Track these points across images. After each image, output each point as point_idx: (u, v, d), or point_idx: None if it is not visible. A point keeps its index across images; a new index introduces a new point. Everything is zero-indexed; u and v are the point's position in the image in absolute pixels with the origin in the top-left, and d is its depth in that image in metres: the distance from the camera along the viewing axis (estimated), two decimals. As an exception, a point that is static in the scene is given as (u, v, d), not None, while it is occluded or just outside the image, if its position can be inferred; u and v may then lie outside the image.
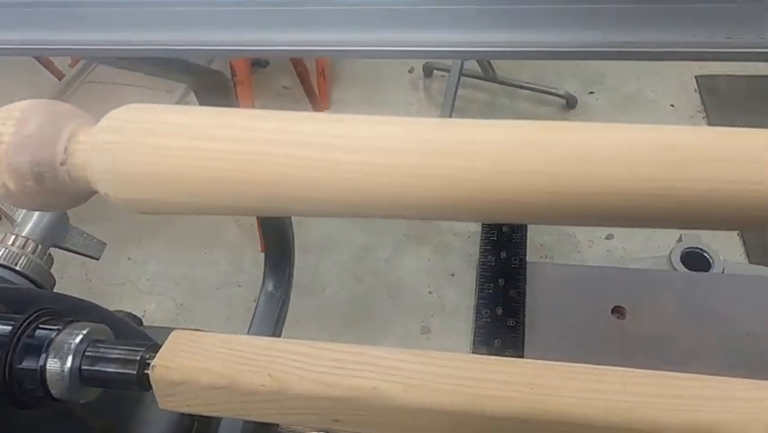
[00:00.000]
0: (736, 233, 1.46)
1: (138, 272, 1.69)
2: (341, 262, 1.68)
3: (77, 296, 0.43)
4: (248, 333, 0.59)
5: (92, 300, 0.45)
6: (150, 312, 1.61)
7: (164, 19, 0.38)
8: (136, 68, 0.45)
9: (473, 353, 0.51)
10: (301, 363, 0.34)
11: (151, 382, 0.34)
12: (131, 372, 0.35)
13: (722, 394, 0.35)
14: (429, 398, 0.32)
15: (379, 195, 0.19)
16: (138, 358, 0.35)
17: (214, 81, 0.45)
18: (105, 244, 0.56)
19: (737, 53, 0.27)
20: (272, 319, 0.57)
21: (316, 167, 0.20)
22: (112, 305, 1.69)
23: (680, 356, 0.51)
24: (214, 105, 0.49)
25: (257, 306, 0.62)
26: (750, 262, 1.35)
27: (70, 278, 1.62)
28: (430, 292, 1.60)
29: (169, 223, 1.78)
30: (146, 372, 0.34)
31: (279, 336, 0.61)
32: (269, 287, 0.60)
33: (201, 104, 0.47)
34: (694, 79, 1.91)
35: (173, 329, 0.62)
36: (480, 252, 0.57)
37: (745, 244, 1.43)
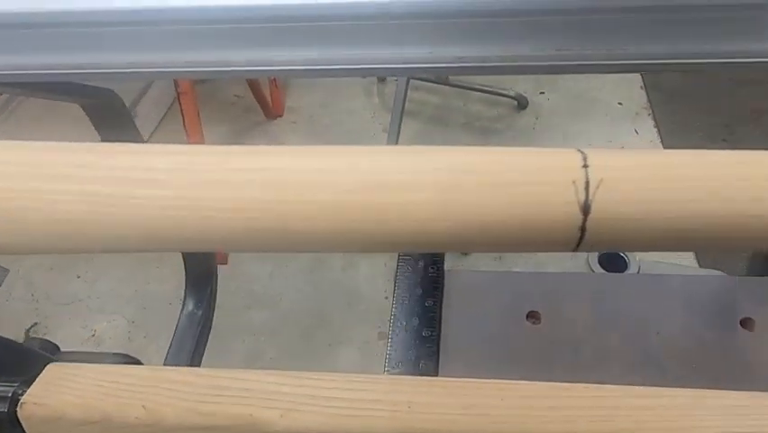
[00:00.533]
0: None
1: (88, 291, 1.65)
2: (297, 272, 1.67)
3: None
4: (166, 356, 0.58)
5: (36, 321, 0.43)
6: (100, 331, 1.58)
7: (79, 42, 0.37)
8: (27, 93, 0.43)
9: (386, 365, 0.51)
10: (177, 393, 0.33)
11: (21, 421, 0.33)
12: (1, 410, 0.33)
13: (600, 403, 0.35)
14: (306, 422, 0.32)
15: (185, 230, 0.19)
16: (9, 395, 0.34)
17: (105, 101, 0.43)
18: (7, 270, 0.55)
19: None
20: (192, 340, 0.56)
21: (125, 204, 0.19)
22: (60, 326, 1.65)
23: (593, 360, 0.51)
24: (110, 126, 0.48)
25: (176, 327, 0.60)
26: (700, 266, 1.37)
27: (16, 299, 1.58)
28: (386, 298, 1.59)
29: (120, 238, 1.74)
30: (17, 409, 0.33)
31: (201, 357, 0.59)
32: (190, 306, 0.59)
33: (95, 126, 0.45)
34: (640, 77, 1.94)
35: (93, 353, 0.60)
36: (398, 262, 0.57)
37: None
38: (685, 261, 1.39)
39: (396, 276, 0.56)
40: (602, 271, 0.59)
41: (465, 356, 0.52)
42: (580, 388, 0.39)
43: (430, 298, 0.54)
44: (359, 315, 1.55)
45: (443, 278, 0.56)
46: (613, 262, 0.60)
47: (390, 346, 0.51)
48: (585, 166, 0.17)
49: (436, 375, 0.50)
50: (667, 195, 0.16)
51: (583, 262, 0.60)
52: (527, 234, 0.17)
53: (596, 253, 0.60)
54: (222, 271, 1.68)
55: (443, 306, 0.54)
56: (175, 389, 0.32)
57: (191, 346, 0.57)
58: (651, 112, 1.86)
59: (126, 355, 0.64)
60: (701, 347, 0.52)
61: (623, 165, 0.17)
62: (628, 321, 0.53)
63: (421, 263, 0.57)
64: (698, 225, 0.16)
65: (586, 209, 0.16)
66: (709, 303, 0.54)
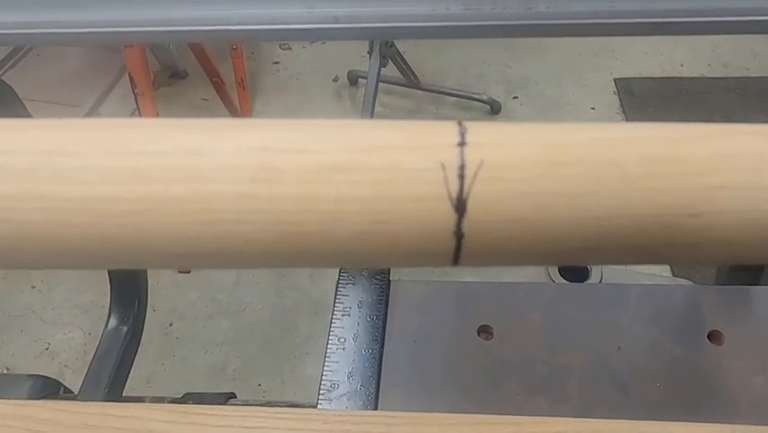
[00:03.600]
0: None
1: (43, 301, 1.58)
2: (262, 281, 1.61)
3: None
4: (83, 379, 0.52)
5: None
6: (54, 345, 1.50)
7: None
8: None
9: (320, 386, 0.46)
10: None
11: None
12: None
13: None
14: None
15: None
16: None
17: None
18: None
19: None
20: (114, 361, 0.51)
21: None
22: (11, 339, 1.58)
23: (549, 379, 0.47)
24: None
25: (98, 345, 0.55)
26: (674, 275, 1.34)
27: (-37, 311, 1.50)
28: (354, 307, 1.55)
29: (77, 246, 1.68)
30: None
31: (125, 378, 0.54)
32: (114, 321, 0.54)
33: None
34: (613, 82, 1.93)
35: (6, 376, 0.53)
36: (340, 272, 0.52)
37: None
38: (656, 267, 1.36)
39: (336, 287, 0.51)
40: (562, 280, 0.55)
41: (409, 377, 0.47)
42: (529, 422, 0.34)
43: (372, 311, 0.49)
44: (325, 325, 1.50)
45: (388, 289, 0.51)
46: (574, 270, 0.56)
47: (326, 366, 0.46)
48: (462, 144, 0.12)
49: (376, 397, 0.45)
50: (579, 184, 0.12)
51: (542, 271, 0.56)
52: (379, 244, 0.12)
53: (555, 261, 0.55)
54: (184, 279, 1.63)
55: (387, 320, 0.49)
56: (34, 430, 0.26)
57: (113, 367, 0.52)
58: (624, 116, 1.84)
59: (45, 378, 0.58)
60: (666, 363, 0.48)
61: (514, 141, 0.12)
62: (588, 335, 0.49)
63: (365, 272, 0.52)
64: (619, 230, 0.12)
65: (461, 206, 0.12)
66: (675, 315, 0.50)
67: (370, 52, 1.67)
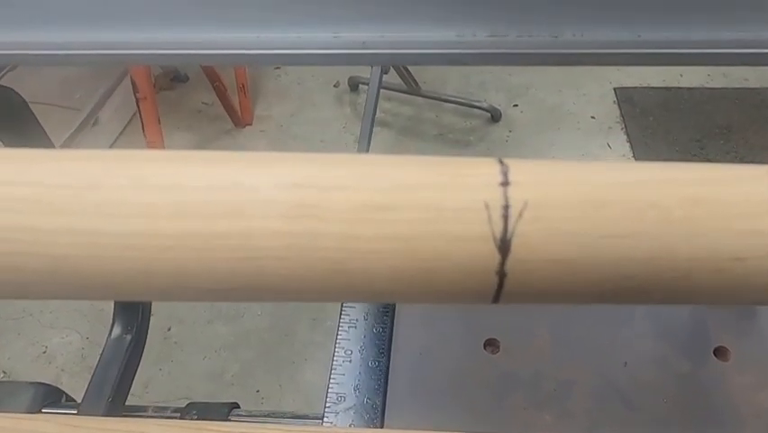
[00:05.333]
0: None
1: (40, 304, 1.57)
2: (262, 285, 1.61)
3: None
4: (87, 387, 0.52)
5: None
6: (52, 348, 1.50)
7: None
8: None
9: (326, 400, 0.46)
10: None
11: None
12: None
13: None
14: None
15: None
16: None
17: (3, 100, 0.38)
18: None
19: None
20: (118, 369, 0.50)
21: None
22: (8, 343, 1.57)
23: (555, 393, 0.47)
24: (11, 126, 0.43)
25: (101, 353, 0.54)
26: None
27: (-40, 314, 1.49)
28: (354, 314, 1.54)
29: (76, 249, 1.67)
30: None
31: (129, 387, 0.53)
32: (118, 330, 0.53)
33: (-3, 126, 0.40)
34: (613, 91, 1.94)
35: (7, 383, 0.53)
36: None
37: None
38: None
39: (342, 299, 0.51)
40: (568, 293, 0.55)
41: (416, 390, 0.47)
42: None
43: (379, 324, 0.49)
44: (324, 332, 1.49)
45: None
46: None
47: (332, 379, 0.46)
48: (505, 183, 0.12)
49: (383, 410, 0.45)
50: (622, 226, 0.11)
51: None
52: (419, 283, 0.12)
53: (561, 275, 0.55)
54: (183, 284, 1.63)
55: (394, 333, 0.49)
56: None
57: (116, 376, 0.51)
58: (624, 126, 1.84)
59: (47, 385, 0.58)
60: (673, 379, 0.47)
61: (557, 181, 0.12)
62: (595, 350, 0.49)
63: (371, 285, 0.52)
64: (661, 273, 0.12)
65: (504, 246, 0.12)
66: (682, 331, 0.50)
67: (371, 59, 1.67)
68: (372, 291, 0.12)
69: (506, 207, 0.12)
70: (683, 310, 0.52)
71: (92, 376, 0.54)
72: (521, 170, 0.12)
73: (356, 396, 0.45)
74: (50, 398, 0.54)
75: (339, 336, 0.48)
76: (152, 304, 1.57)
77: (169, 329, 1.52)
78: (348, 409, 0.45)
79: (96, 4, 0.27)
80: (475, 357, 0.48)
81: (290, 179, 0.12)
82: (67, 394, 0.58)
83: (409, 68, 1.82)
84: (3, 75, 0.39)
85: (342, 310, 0.51)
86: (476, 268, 0.12)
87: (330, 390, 0.45)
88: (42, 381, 0.58)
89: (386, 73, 1.67)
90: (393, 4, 0.23)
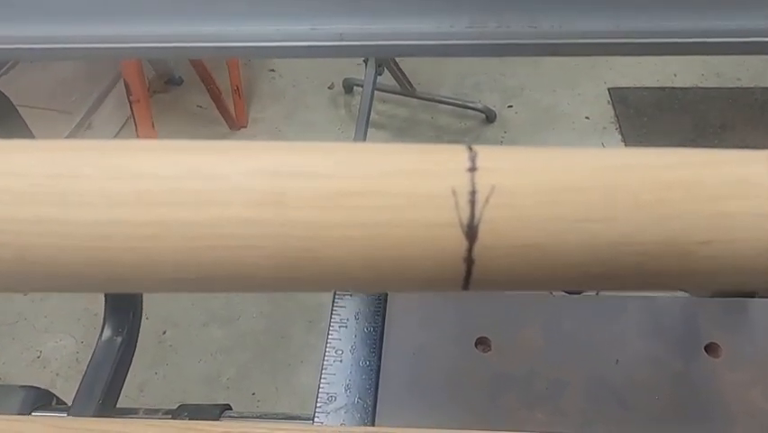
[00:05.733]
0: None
1: (35, 309, 1.57)
2: (257, 288, 1.61)
3: None
4: (77, 389, 0.52)
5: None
6: (46, 352, 1.49)
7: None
8: None
9: (317, 398, 0.45)
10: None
11: None
12: None
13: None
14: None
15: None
16: None
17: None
18: None
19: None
20: (108, 372, 0.50)
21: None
22: (2, 346, 1.56)
23: (547, 391, 0.47)
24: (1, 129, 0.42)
25: (91, 356, 0.54)
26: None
27: (-46, 319, 1.49)
28: (349, 315, 1.54)
29: (70, 253, 1.66)
30: None
31: (119, 390, 0.53)
32: (108, 332, 0.53)
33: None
34: (607, 92, 1.94)
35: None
36: (337, 283, 0.52)
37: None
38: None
39: (333, 298, 0.51)
40: (560, 292, 0.55)
41: (407, 389, 0.47)
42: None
43: (370, 323, 0.49)
44: (319, 334, 1.49)
45: (386, 300, 0.51)
46: (571, 282, 0.56)
47: (323, 378, 0.46)
48: (472, 169, 0.12)
49: (374, 410, 0.45)
50: (590, 210, 0.11)
51: (539, 283, 0.55)
52: (389, 270, 0.12)
53: (553, 273, 0.55)
54: (178, 287, 1.63)
55: (385, 332, 0.49)
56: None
57: (107, 378, 0.51)
58: (618, 126, 1.85)
59: (38, 389, 0.57)
60: (664, 376, 0.47)
61: (525, 166, 0.12)
62: (587, 348, 0.49)
63: (362, 284, 0.52)
64: (630, 257, 0.11)
65: (471, 232, 0.11)
66: (673, 328, 0.50)
67: (365, 61, 1.68)
68: (343, 279, 0.12)
69: (472, 193, 0.12)
70: (674, 306, 0.52)
71: (82, 378, 0.54)
72: (490, 156, 0.12)
73: (347, 396, 0.45)
74: (40, 401, 0.54)
75: (330, 336, 0.48)
76: (147, 307, 1.57)
77: (164, 332, 1.52)
78: (339, 409, 0.45)
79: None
80: (467, 356, 0.48)
81: (260, 166, 0.12)
82: (57, 397, 0.58)
83: (404, 69, 1.82)
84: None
85: (332, 310, 0.50)
86: (444, 255, 0.12)
87: (321, 390, 0.45)
88: (37, 385, 0.57)
89: (380, 75, 1.68)
90: (368, -4, 0.23)
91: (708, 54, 0.24)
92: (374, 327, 0.49)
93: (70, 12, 0.28)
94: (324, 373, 0.46)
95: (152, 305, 1.60)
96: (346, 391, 0.45)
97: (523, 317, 0.50)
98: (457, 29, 0.23)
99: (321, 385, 0.46)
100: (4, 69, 1.92)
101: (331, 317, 0.50)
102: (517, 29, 0.23)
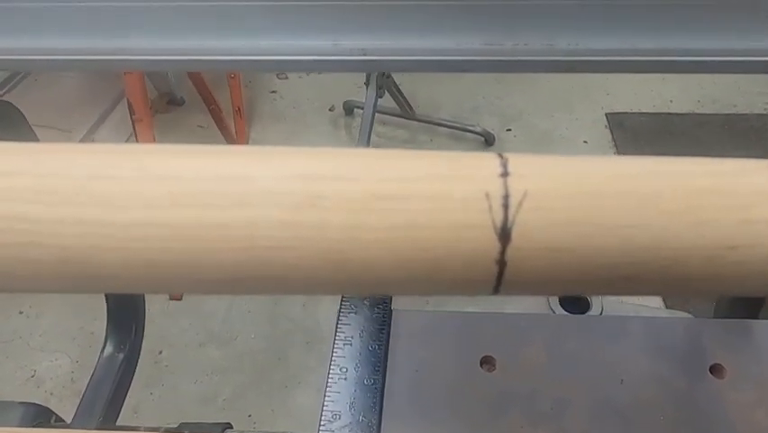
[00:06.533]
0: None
1: (30, 327, 1.55)
2: (255, 308, 1.60)
3: None
4: (78, 405, 0.51)
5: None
6: (41, 372, 1.47)
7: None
8: None
9: (321, 417, 0.45)
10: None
11: None
12: None
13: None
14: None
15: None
16: None
17: (1, 114, 0.38)
18: None
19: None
20: (110, 388, 0.50)
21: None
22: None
23: (552, 411, 0.46)
24: (9, 139, 0.43)
25: (93, 372, 0.54)
26: (667, 307, 1.34)
27: (-52, 337, 1.47)
28: (348, 337, 1.53)
29: (68, 271, 1.65)
30: None
31: (120, 407, 0.53)
32: (110, 348, 0.53)
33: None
34: (605, 117, 1.96)
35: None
36: (342, 300, 0.52)
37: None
38: (650, 299, 1.36)
39: (338, 316, 0.51)
40: (563, 311, 0.55)
41: (411, 408, 0.46)
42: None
43: (374, 341, 0.49)
44: (317, 355, 1.48)
45: (390, 318, 0.51)
46: (575, 301, 0.56)
47: (327, 396, 0.45)
48: (504, 174, 0.12)
49: (379, 428, 0.45)
50: (621, 216, 0.12)
51: (543, 302, 0.56)
52: (422, 272, 0.12)
53: (556, 293, 0.55)
54: (175, 306, 1.61)
55: (389, 350, 0.49)
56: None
57: (108, 395, 0.51)
58: (616, 150, 1.87)
59: (37, 405, 0.57)
60: (669, 397, 0.47)
61: (558, 173, 0.12)
62: (591, 367, 0.49)
63: (366, 302, 0.52)
64: (658, 262, 0.12)
65: (505, 235, 0.12)
66: (677, 348, 0.50)
67: (366, 83, 1.69)
68: (375, 282, 0.12)
69: (506, 197, 0.12)
70: (678, 327, 0.52)
71: (83, 395, 0.53)
72: (521, 162, 0.13)
73: (351, 414, 0.45)
74: (39, 418, 0.54)
75: (334, 354, 0.48)
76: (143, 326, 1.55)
77: (161, 352, 1.51)
78: (343, 428, 0.44)
79: (95, 13, 0.27)
80: (471, 375, 0.48)
81: (294, 169, 0.12)
82: (57, 415, 0.57)
83: (404, 92, 1.84)
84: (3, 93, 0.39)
85: (337, 328, 0.50)
86: (477, 257, 0.12)
87: (325, 408, 0.45)
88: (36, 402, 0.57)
89: (381, 97, 1.69)
90: (392, 14, 0.23)
91: (721, 72, 0.25)
92: (378, 345, 0.49)
93: (78, 25, 0.29)
94: (329, 391, 0.46)
95: (148, 324, 1.59)
96: (350, 409, 0.45)
97: (528, 336, 0.50)
98: (475, 46, 0.23)
99: (325, 403, 0.45)
100: (8, 87, 1.93)
101: (335, 335, 0.49)
102: (534, 47, 0.23)
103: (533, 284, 0.12)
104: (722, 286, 0.13)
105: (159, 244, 0.11)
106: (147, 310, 1.76)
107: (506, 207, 0.12)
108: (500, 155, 0.13)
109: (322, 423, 0.44)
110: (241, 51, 0.26)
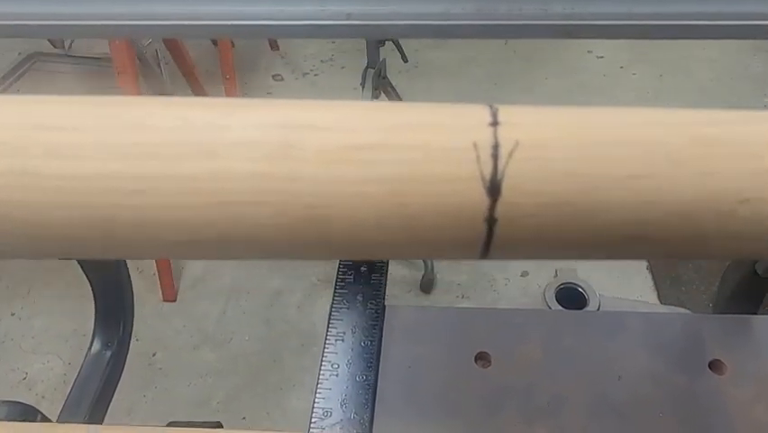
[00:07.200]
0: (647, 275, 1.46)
1: (23, 329, 1.54)
2: (250, 309, 1.58)
3: None
4: (64, 403, 0.50)
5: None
6: (33, 374, 1.46)
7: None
8: None
9: (312, 414, 0.44)
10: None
11: None
12: None
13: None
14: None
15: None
16: None
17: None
18: None
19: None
20: (97, 386, 0.48)
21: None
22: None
23: (548, 408, 0.45)
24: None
25: (80, 369, 0.52)
26: (662, 303, 1.34)
27: (-61, 339, 1.45)
28: (343, 338, 1.52)
29: (60, 272, 1.64)
30: None
31: (107, 405, 0.51)
32: (97, 345, 0.51)
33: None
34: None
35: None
36: (334, 296, 0.50)
37: (653, 276, 1.43)
38: (646, 296, 1.35)
39: (330, 312, 0.50)
40: (559, 307, 0.54)
41: (404, 405, 0.45)
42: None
43: (367, 337, 0.48)
44: (312, 357, 1.47)
45: (383, 314, 0.50)
46: (571, 297, 0.55)
47: (318, 393, 0.44)
48: (494, 123, 0.11)
49: (371, 425, 0.43)
50: (625, 166, 0.11)
51: (539, 298, 0.54)
52: (403, 230, 0.11)
53: (553, 288, 0.54)
54: (169, 308, 1.60)
55: (382, 346, 0.48)
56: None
57: (94, 393, 0.49)
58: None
59: (23, 404, 0.56)
60: (668, 393, 0.46)
61: (554, 122, 0.11)
62: (588, 364, 0.48)
63: (359, 297, 0.50)
64: (666, 217, 0.11)
65: (494, 188, 0.11)
66: (676, 344, 0.49)
67: (362, 84, 1.69)
68: (353, 241, 0.11)
69: (495, 147, 0.11)
70: (677, 323, 0.51)
71: (69, 393, 0.52)
72: (513, 111, 0.12)
73: (343, 411, 0.44)
74: (25, 416, 0.52)
75: (326, 350, 0.47)
76: (137, 328, 1.54)
77: (154, 354, 1.49)
78: (334, 425, 0.43)
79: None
80: (466, 371, 0.47)
81: (267, 119, 0.11)
82: (42, 414, 0.56)
83: (400, 93, 1.83)
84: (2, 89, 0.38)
85: (329, 323, 0.49)
86: (463, 213, 0.11)
87: (315, 404, 0.44)
88: (21, 401, 0.56)
89: (377, 98, 1.68)
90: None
91: (719, 38, 0.24)
92: (371, 342, 0.47)
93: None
94: (320, 388, 0.45)
95: (142, 326, 1.57)
96: (342, 406, 0.44)
97: (523, 332, 0.49)
98: (467, 10, 0.22)
99: (316, 400, 0.44)
100: (7, 82, 1.92)
101: (327, 331, 0.48)
102: (528, 11, 0.22)
103: (525, 245, 0.11)
104: (734, 246, 0.12)
105: (116, 200, 0.10)
106: (140, 312, 1.74)
107: (495, 157, 0.11)
108: (491, 105, 0.12)
109: (312, 420, 0.43)
110: (226, 17, 0.25)
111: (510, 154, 0.11)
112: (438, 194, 0.11)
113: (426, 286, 1.44)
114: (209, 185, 0.11)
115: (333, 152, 0.11)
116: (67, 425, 0.33)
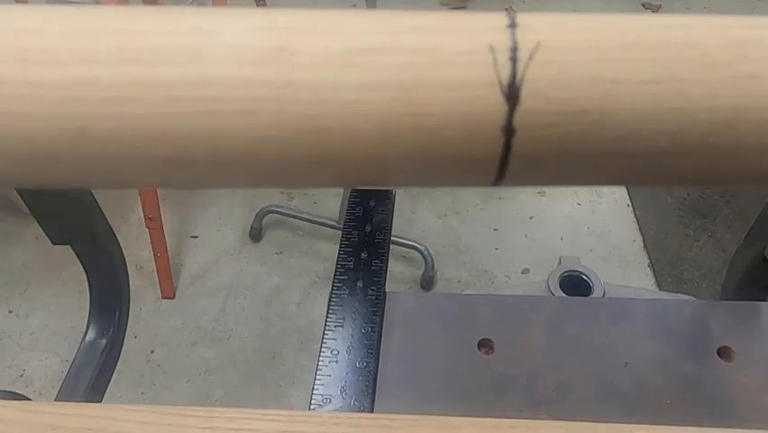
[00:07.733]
0: (646, 263, 1.45)
1: (20, 326, 1.53)
2: (249, 306, 1.57)
3: None
4: (57, 393, 0.49)
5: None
6: (30, 371, 1.45)
7: None
8: None
9: (311, 400, 0.43)
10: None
11: None
12: None
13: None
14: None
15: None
16: None
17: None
18: None
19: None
20: (90, 375, 0.47)
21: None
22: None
23: (552, 395, 0.44)
24: None
25: (73, 359, 0.51)
26: (660, 290, 1.34)
27: (-66, 336, 1.44)
28: (343, 335, 1.51)
29: (58, 269, 1.63)
30: None
31: (102, 395, 0.50)
32: (92, 334, 0.50)
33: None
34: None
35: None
36: (334, 282, 0.49)
37: (655, 274, 1.42)
38: (648, 285, 1.34)
39: (330, 298, 0.49)
40: (563, 294, 0.53)
41: (406, 392, 0.44)
42: (545, 427, 0.32)
43: (368, 323, 0.47)
44: (311, 354, 1.46)
45: (384, 300, 0.49)
46: (575, 285, 0.54)
47: (317, 380, 0.43)
48: (512, 26, 0.10)
49: (371, 412, 0.42)
50: (654, 70, 0.09)
51: (542, 285, 0.53)
52: (411, 144, 0.10)
53: (557, 276, 0.53)
54: (167, 304, 1.59)
55: (383, 333, 0.47)
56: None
57: (88, 384, 0.48)
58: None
59: (15, 393, 0.54)
60: (676, 380, 0.45)
61: (577, 26, 0.10)
62: (594, 350, 0.47)
63: (360, 283, 0.49)
64: (701, 126, 0.10)
65: (513, 94, 0.10)
66: (683, 330, 0.48)
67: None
68: (354, 159, 0.10)
69: (514, 50, 0.10)
70: (684, 309, 0.50)
71: (62, 383, 0.51)
72: (532, 16, 0.10)
73: (342, 398, 0.43)
74: (17, 406, 0.51)
75: (325, 336, 0.46)
76: (136, 326, 1.54)
77: (152, 352, 1.48)
78: (334, 412, 0.42)
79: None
80: (469, 358, 0.46)
81: (261, 22, 0.10)
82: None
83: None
84: None
85: (329, 309, 0.48)
86: (478, 122, 0.10)
87: (315, 391, 0.43)
88: (14, 391, 0.55)
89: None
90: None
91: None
92: (372, 328, 0.46)
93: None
94: (319, 375, 0.44)
95: (141, 323, 1.56)
96: (342, 393, 0.43)
97: (527, 318, 0.48)
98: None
99: (315, 387, 0.43)
100: None
101: (327, 317, 0.47)
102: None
103: (546, 161, 0.10)
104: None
105: (94, 109, 0.09)
106: (139, 309, 1.74)
107: (513, 60, 0.10)
108: (507, 9, 0.11)
109: (312, 407, 0.42)
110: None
111: (531, 57, 0.10)
112: (451, 101, 0.10)
113: (427, 283, 1.43)
114: (195, 92, 0.09)
115: (331, 56, 0.10)
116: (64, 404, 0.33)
